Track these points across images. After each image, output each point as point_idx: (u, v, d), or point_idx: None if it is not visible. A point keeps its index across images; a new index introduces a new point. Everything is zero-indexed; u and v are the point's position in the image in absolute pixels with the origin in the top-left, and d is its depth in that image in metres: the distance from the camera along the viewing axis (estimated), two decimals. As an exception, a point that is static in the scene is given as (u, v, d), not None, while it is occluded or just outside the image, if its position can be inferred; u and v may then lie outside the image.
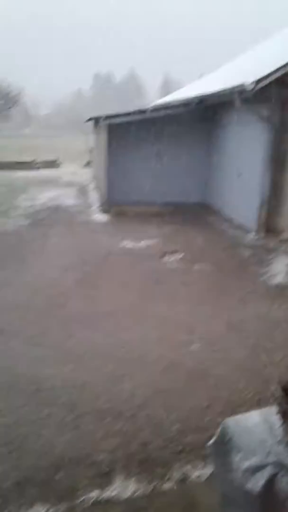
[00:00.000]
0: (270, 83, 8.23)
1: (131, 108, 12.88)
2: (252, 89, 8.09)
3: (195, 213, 11.79)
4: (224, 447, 2.41)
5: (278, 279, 6.99)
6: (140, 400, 3.91)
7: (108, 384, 4.15)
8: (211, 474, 2.88)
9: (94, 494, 2.94)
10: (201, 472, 3.10)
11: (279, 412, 2.37)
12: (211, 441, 2.57)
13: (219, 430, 2.53)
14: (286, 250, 8.25)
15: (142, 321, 5.54)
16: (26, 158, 24.76)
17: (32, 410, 3.76)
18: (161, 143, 12.29)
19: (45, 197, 14.76)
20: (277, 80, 8.28)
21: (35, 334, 5.18)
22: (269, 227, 9.27)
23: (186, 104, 11.62)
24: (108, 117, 11.81)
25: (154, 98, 43.71)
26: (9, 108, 24.36)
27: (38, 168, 23.41)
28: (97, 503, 2.89)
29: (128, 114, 11.68)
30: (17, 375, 4.30)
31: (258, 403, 3.73)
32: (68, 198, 14.56)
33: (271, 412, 2.43)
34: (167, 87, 74.54)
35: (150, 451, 3.31)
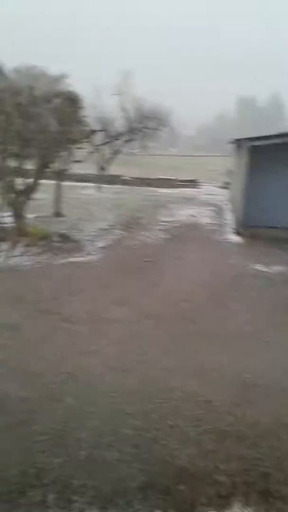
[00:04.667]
0: None
1: (273, 131, 12.56)
2: None
3: None
4: None
5: None
6: (263, 429, 3.75)
7: (232, 406, 4.06)
8: None
9: (212, 514, 2.89)
10: None
11: None
12: None
13: None
14: None
15: (271, 348, 5.32)
16: (169, 176, 25.52)
17: (159, 419, 3.82)
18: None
19: (183, 214, 15.05)
20: None
21: (166, 344, 5.28)
22: None
23: None
24: (250, 139, 11.66)
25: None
26: (160, 128, 25.34)
27: (179, 186, 23.97)
28: (214, 523, 2.83)
29: (270, 137, 11.41)
30: (147, 381, 4.42)
31: None
32: (204, 217, 14.67)
33: None
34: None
35: (271, 483, 3.15)
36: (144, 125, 25.41)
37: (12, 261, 8.30)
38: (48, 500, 2.93)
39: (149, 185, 23.29)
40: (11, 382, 4.25)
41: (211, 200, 19.18)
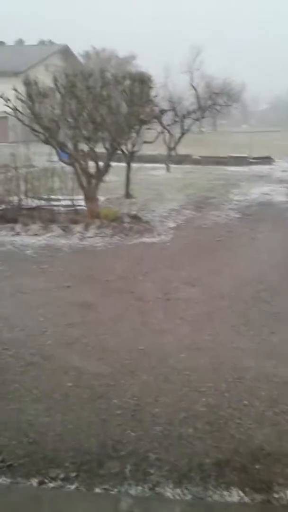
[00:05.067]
0: None
1: None
2: None
3: None
4: None
5: None
6: None
7: (310, 388, 3.93)
8: None
9: (290, 495, 2.84)
10: None
11: None
12: None
13: None
14: None
15: None
16: (241, 153, 24.80)
17: (233, 398, 3.80)
18: None
19: (256, 192, 14.60)
20: None
21: (240, 324, 5.20)
22: None
23: None
24: None
25: None
26: (231, 105, 24.65)
27: (252, 163, 23.23)
28: (292, 504, 2.79)
29: None
30: (221, 360, 4.39)
31: None
32: (278, 195, 14.13)
33: None
34: None
35: None
36: (215, 102, 24.85)
37: (86, 242, 8.54)
38: (125, 472, 3.03)
39: (219, 163, 22.80)
40: (88, 359, 4.41)
41: (286, 177, 18.40)
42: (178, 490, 2.90)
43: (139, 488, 2.91)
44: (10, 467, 3.05)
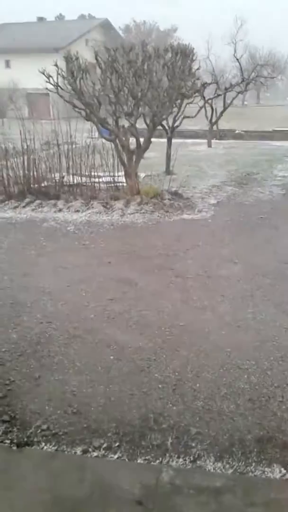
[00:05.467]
0: None
1: None
2: None
3: None
4: None
5: None
6: None
7: None
8: None
9: None
10: None
11: None
12: None
13: None
14: None
15: None
16: (286, 127, 23.94)
17: (276, 376, 3.75)
18: None
19: (302, 167, 14.12)
20: None
21: (283, 303, 5.11)
22: None
23: None
24: None
25: None
26: (275, 77, 23.75)
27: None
28: None
29: None
30: (263, 339, 4.34)
31: None
32: None
33: None
34: None
35: None
36: (259, 74, 24.00)
37: (126, 219, 8.56)
38: (167, 444, 3.07)
39: (264, 138, 22.14)
40: (130, 333, 4.47)
41: None
42: (219, 464, 2.92)
43: (180, 460, 2.96)
44: (55, 435, 3.16)
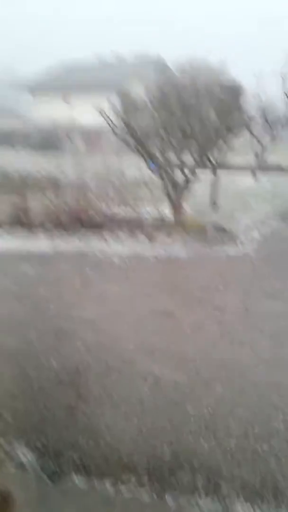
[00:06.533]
0: None
1: None
2: None
3: None
4: None
5: None
6: None
7: None
8: None
9: None
10: None
11: None
12: None
13: None
14: None
15: None
16: None
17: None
18: None
19: None
20: None
21: None
22: None
23: None
24: None
25: None
26: None
27: None
28: None
29: None
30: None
31: None
32: None
33: None
34: None
35: None
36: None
37: (170, 251, 8.63)
38: (197, 483, 3.03)
39: None
40: (165, 366, 4.47)
41: None
42: (249, 506, 2.85)
43: (209, 499, 2.91)
44: (85, 467, 3.18)
